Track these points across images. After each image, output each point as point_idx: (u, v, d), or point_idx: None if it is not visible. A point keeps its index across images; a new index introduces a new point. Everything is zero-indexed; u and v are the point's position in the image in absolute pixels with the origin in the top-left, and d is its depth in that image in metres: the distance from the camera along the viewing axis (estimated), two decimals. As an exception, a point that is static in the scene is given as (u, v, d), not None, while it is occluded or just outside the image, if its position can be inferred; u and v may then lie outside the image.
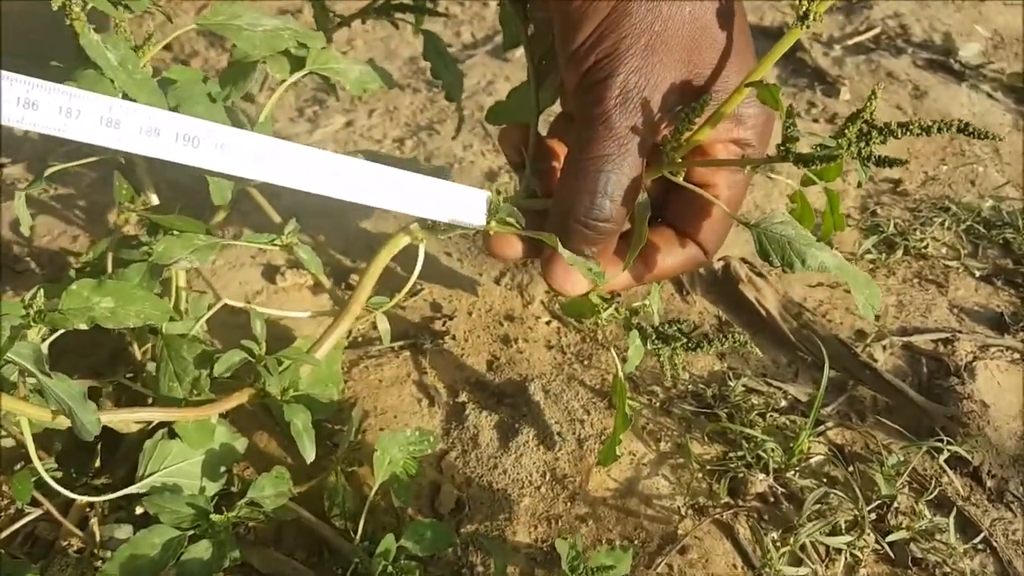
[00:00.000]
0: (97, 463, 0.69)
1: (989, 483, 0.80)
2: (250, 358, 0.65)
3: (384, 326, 0.74)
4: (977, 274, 1.02)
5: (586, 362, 0.87)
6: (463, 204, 0.63)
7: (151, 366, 0.70)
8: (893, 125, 0.53)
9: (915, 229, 1.05)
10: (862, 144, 0.54)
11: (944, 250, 1.05)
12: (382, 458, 0.67)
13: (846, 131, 0.54)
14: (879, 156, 0.53)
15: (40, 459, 0.68)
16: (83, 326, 0.58)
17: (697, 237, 0.69)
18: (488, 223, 0.65)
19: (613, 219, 0.62)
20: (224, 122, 0.76)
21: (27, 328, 0.56)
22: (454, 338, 0.89)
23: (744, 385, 0.85)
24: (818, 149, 0.56)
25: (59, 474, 0.68)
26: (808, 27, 0.56)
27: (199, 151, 0.53)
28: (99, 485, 0.68)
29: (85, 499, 0.61)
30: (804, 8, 0.55)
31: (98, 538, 0.63)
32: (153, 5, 0.77)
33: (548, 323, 0.92)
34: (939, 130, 0.52)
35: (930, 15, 1.56)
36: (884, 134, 0.53)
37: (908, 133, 0.53)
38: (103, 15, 0.69)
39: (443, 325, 0.90)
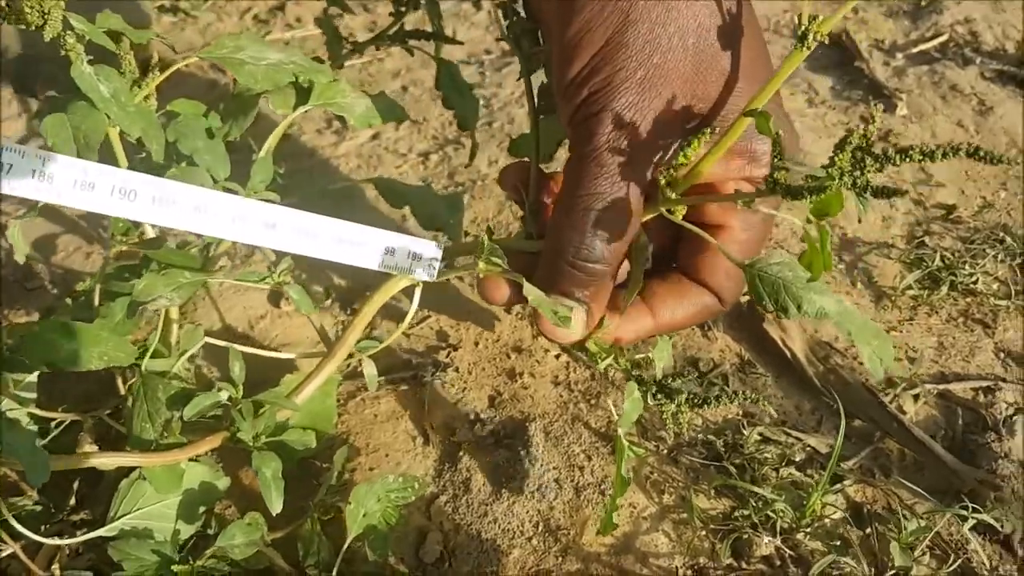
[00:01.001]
0: (72, 500, 0.68)
1: (1022, 553, 0.74)
2: (225, 402, 0.63)
3: (371, 371, 0.71)
4: (1030, 314, 0.94)
5: (593, 401, 0.83)
6: (412, 255, 0.61)
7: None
8: (891, 151, 0.47)
9: (965, 262, 0.98)
10: (856, 173, 0.48)
11: (996, 286, 0.97)
12: (355, 511, 0.64)
13: (837, 158, 0.48)
14: (877, 186, 0.47)
15: (23, 492, 0.68)
16: (43, 369, 0.57)
17: (711, 284, 0.64)
18: (478, 267, 0.62)
19: (604, 260, 0.58)
20: (223, 156, 0.74)
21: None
22: (457, 370, 0.86)
23: (760, 434, 0.80)
24: (808, 180, 0.51)
25: (39, 508, 0.68)
26: (809, 49, 0.51)
27: (135, 204, 0.52)
28: (76, 521, 0.67)
29: (48, 542, 0.60)
30: (803, 28, 0.50)
31: (59, 577, 0.62)
32: (157, 36, 0.75)
33: (557, 356, 0.88)
34: (944, 155, 0.46)
35: (1004, 21, 1.45)
36: (880, 161, 0.48)
37: (908, 159, 0.47)
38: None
39: (447, 356, 0.87)
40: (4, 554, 0.64)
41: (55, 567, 0.62)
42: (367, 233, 0.60)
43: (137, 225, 0.78)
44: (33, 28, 0.60)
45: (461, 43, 0.89)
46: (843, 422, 0.75)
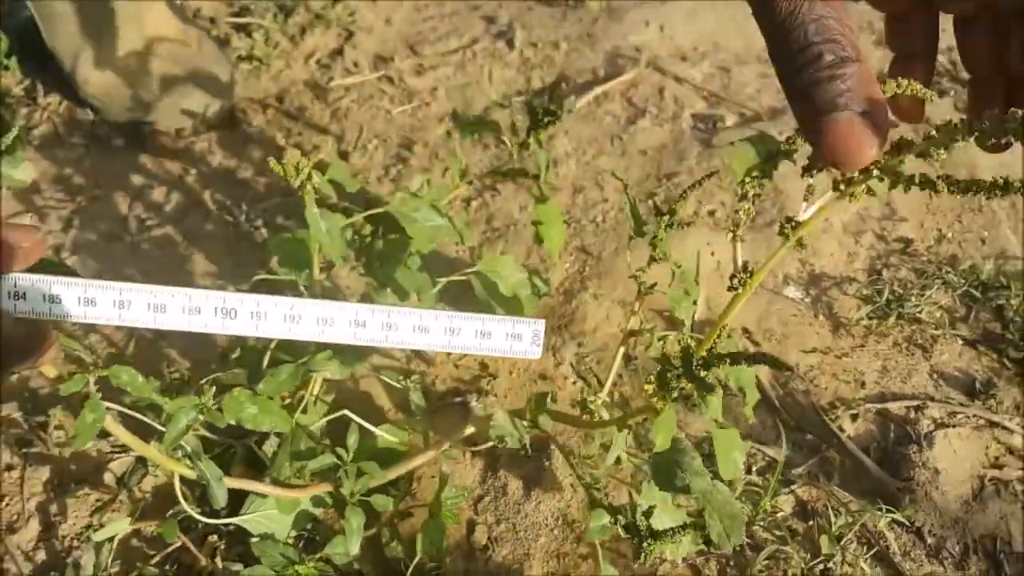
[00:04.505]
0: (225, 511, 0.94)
1: (930, 540, 0.97)
2: (339, 463, 0.88)
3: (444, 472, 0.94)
4: (963, 340, 1.15)
5: (612, 413, 1.07)
6: (511, 337, 0.63)
7: (273, 440, 0.93)
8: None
9: (912, 294, 1.19)
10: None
11: (939, 314, 1.18)
12: (424, 539, 0.88)
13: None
14: None
15: (185, 499, 0.94)
16: (232, 422, 0.82)
17: None
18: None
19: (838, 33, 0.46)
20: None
21: (193, 419, 0.80)
22: (495, 396, 1.10)
23: (730, 446, 1.04)
24: None
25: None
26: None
27: (238, 321, 0.58)
28: (225, 526, 0.93)
29: (210, 531, 0.86)
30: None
31: (220, 567, 0.89)
32: (361, 187, 0.98)
33: (574, 382, 1.12)
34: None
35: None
36: None
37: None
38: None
39: (488, 384, 1.11)
40: (175, 547, 0.91)
41: (217, 559, 0.89)
42: (459, 320, 0.64)
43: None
44: (285, 177, 0.83)
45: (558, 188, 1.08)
46: (784, 439, 0.99)
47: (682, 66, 1.60)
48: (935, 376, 1.12)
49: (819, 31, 0.44)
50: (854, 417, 1.06)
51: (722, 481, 0.72)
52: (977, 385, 1.10)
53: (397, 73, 1.61)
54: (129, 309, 0.55)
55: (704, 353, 0.62)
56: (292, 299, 0.58)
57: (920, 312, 1.17)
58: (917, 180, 0.46)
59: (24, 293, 0.48)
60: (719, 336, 0.63)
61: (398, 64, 1.64)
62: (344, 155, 1.44)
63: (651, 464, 0.71)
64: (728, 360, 0.58)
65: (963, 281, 1.20)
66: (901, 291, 1.20)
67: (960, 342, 1.15)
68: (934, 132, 0.44)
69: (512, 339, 0.62)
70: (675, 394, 0.65)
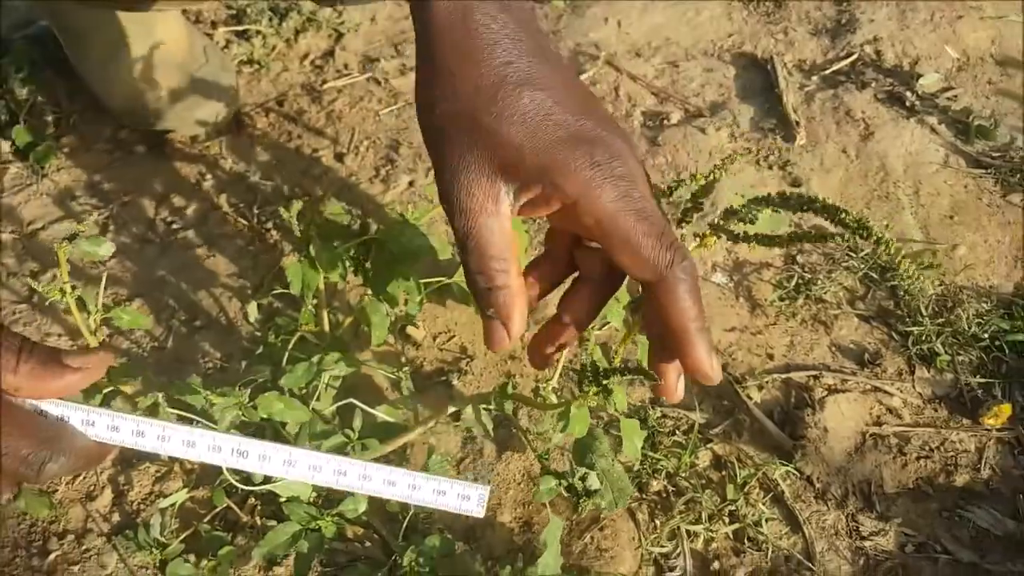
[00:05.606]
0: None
1: (817, 486, 1.23)
2: (347, 440, 1.12)
3: (432, 444, 1.19)
4: (859, 316, 1.39)
5: (560, 394, 1.31)
6: (461, 497, 0.73)
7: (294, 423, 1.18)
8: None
9: (820, 278, 1.42)
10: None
11: (841, 294, 1.42)
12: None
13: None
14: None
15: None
16: (264, 417, 1.07)
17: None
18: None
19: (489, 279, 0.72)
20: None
21: (236, 416, 1.04)
22: (472, 374, 1.34)
23: (661, 412, 1.28)
24: None
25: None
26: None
27: (248, 461, 0.68)
28: (259, 492, 1.19)
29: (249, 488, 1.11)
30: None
31: (259, 523, 1.15)
32: (351, 213, 1.20)
33: (537, 362, 1.36)
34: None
35: (906, 38, 1.81)
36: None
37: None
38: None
39: (467, 364, 1.35)
40: (222, 508, 1.17)
41: (256, 516, 1.14)
42: (420, 479, 0.72)
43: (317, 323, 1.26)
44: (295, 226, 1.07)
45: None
46: (696, 406, 1.23)
47: (636, 62, 1.79)
48: (833, 349, 1.36)
49: (479, 266, 0.72)
50: (760, 387, 1.31)
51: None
52: (867, 356, 1.35)
53: (383, 74, 1.81)
54: (169, 442, 0.67)
55: (606, 365, 0.87)
56: (290, 447, 0.70)
57: (825, 293, 1.41)
58: (740, 236, 0.73)
59: (94, 422, 0.64)
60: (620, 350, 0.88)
61: (384, 65, 1.83)
62: (340, 157, 1.65)
63: (573, 445, 0.98)
64: (617, 372, 0.83)
65: (864, 265, 1.44)
66: (810, 275, 1.43)
67: (857, 319, 1.39)
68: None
69: (462, 499, 0.73)
70: (590, 392, 0.89)
